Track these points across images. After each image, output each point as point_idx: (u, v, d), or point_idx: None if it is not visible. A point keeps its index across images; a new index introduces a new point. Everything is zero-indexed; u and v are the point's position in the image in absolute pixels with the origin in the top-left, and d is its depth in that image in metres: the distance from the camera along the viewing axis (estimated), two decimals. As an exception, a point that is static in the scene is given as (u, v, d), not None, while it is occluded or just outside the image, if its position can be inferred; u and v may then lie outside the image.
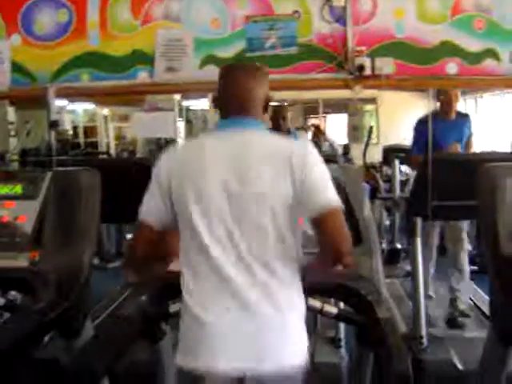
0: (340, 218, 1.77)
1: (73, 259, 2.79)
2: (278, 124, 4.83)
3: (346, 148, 8.58)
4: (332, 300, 2.75)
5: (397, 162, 6.12)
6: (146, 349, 2.63)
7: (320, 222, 1.75)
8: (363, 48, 3.59)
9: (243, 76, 1.88)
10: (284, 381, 1.76)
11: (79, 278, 2.77)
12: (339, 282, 2.43)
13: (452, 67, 3.62)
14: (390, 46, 3.64)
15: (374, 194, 7.21)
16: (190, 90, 4.47)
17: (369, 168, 7.13)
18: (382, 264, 5.77)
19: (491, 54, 3.59)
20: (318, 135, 7.23)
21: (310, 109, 11.44)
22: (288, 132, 4.92)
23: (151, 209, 1.86)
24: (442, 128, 4.23)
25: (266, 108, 1.91)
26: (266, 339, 1.75)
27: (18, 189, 3.05)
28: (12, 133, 5.12)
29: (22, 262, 2.74)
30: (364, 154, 6.96)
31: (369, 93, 7.97)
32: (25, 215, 2.92)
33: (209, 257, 1.76)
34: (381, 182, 6.96)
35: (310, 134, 9.36)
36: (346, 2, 3.61)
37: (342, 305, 2.74)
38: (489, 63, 3.60)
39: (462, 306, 4.36)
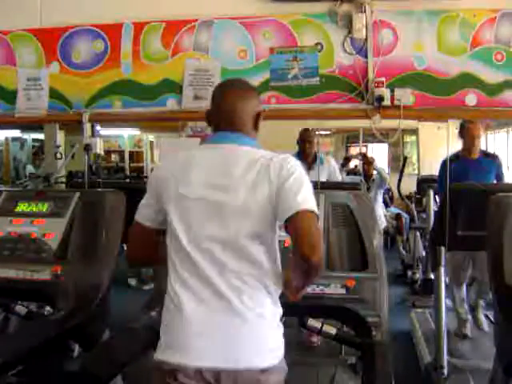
0: (311, 220, 1.75)
1: (93, 275, 2.97)
2: (304, 147, 4.98)
3: (386, 177, 8.54)
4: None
5: (431, 192, 6.07)
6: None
7: (290, 223, 1.75)
8: (383, 79, 3.66)
9: (232, 92, 1.99)
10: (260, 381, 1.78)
11: (98, 293, 2.94)
12: (340, 303, 2.50)
13: (471, 98, 3.65)
14: (409, 78, 3.70)
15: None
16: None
17: (403, 198, 7.14)
18: (419, 294, 5.73)
19: (510, 85, 3.60)
20: (367, 164, 7.25)
21: (351, 138, 11.49)
22: (315, 156, 4.97)
23: (144, 209, 1.98)
24: (464, 167, 4.26)
25: (255, 124, 1.99)
26: (242, 337, 1.79)
27: (48, 207, 3.26)
28: (58, 155, 5.34)
29: (45, 275, 2.93)
30: (398, 184, 6.97)
31: (410, 124, 7.99)
32: (52, 232, 3.13)
33: (187, 258, 1.84)
34: (415, 212, 6.97)
35: (354, 162, 9.43)
36: (367, 35, 3.70)
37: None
38: (508, 94, 3.61)
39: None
